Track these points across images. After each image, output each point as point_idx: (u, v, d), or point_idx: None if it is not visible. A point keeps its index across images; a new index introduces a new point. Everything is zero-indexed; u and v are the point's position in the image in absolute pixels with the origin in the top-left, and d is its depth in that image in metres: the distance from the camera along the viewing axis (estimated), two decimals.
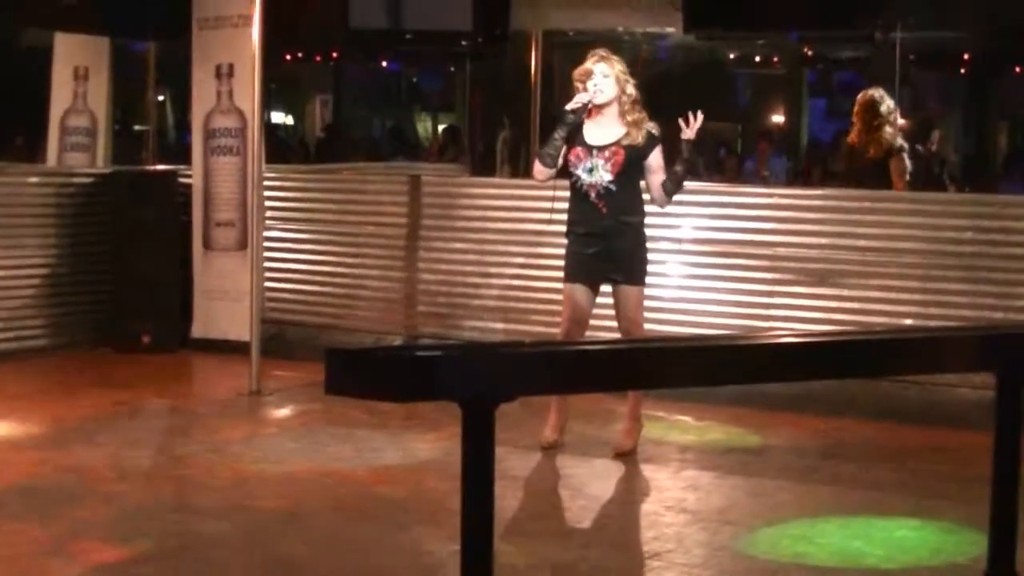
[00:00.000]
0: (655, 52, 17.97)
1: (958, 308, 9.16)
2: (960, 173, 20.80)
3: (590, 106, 7.92)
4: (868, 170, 10.48)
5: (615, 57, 8.08)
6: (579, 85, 7.96)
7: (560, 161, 7.95)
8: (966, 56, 20.85)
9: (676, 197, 8.13)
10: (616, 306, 8.04)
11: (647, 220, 8.14)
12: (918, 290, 9.38)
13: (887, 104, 10.67)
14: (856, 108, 10.81)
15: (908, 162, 10.63)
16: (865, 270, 9.46)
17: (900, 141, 10.69)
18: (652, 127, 8.00)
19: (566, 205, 8.10)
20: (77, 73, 13.19)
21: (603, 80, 7.93)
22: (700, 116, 7.90)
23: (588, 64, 7.99)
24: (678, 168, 8.01)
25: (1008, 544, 3.42)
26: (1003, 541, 3.42)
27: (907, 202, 9.91)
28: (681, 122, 7.91)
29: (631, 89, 7.99)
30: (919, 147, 11.48)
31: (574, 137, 7.95)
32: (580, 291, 8.02)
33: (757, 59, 21.94)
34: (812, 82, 24.08)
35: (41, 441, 8.37)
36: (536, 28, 11.94)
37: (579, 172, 7.94)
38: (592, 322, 8.14)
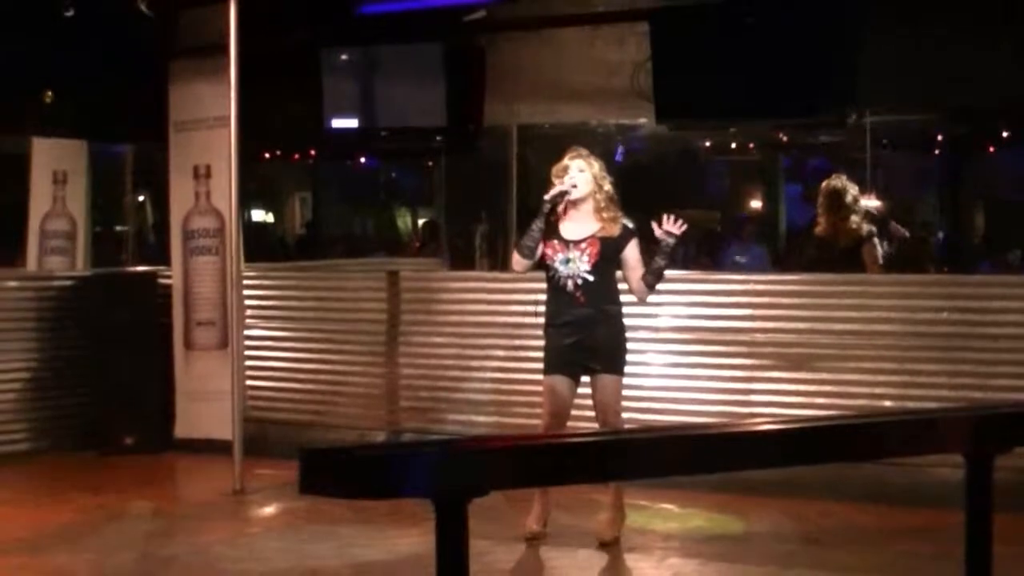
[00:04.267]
0: (629, 143, 18.09)
1: (937, 389, 9.19)
2: (937, 254, 20.90)
3: (566, 199, 8.01)
4: (840, 260, 10.49)
5: (593, 156, 8.20)
6: (556, 181, 8.07)
7: (537, 255, 8.04)
8: (939, 137, 21.01)
9: (656, 285, 8.20)
10: (594, 396, 8.08)
11: (625, 309, 8.21)
12: (896, 371, 9.43)
13: (852, 193, 10.70)
14: (820, 199, 10.80)
15: (879, 248, 10.68)
16: (843, 353, 9.51)
17: (869, 227, 10.72)
18: (627, 221, 8.10)
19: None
20: (56, 177, 13.27)
21: (579, 175, 8.04)
22: (682, 225, 8.03)
23: (565, 161, 8.11)
24: (660, 262, 8.10)
25: None
26: None
27: (883, 284, 9.99)
28: (656, 225, 8.02)
29: (607, 187, 8.10)
30: (894, 225, 11.43)
31: (550, 233, 8.03)
32: (561, 383, 8.06)
33: (732, 146, 22.06)
34: (787, 167, 24.18)
35: (24, 546, 8.35)
36: (510, 122, 12.06)
37: (556, 264, 8.02)
38: (572, 411, 8.17)
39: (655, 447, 3.23)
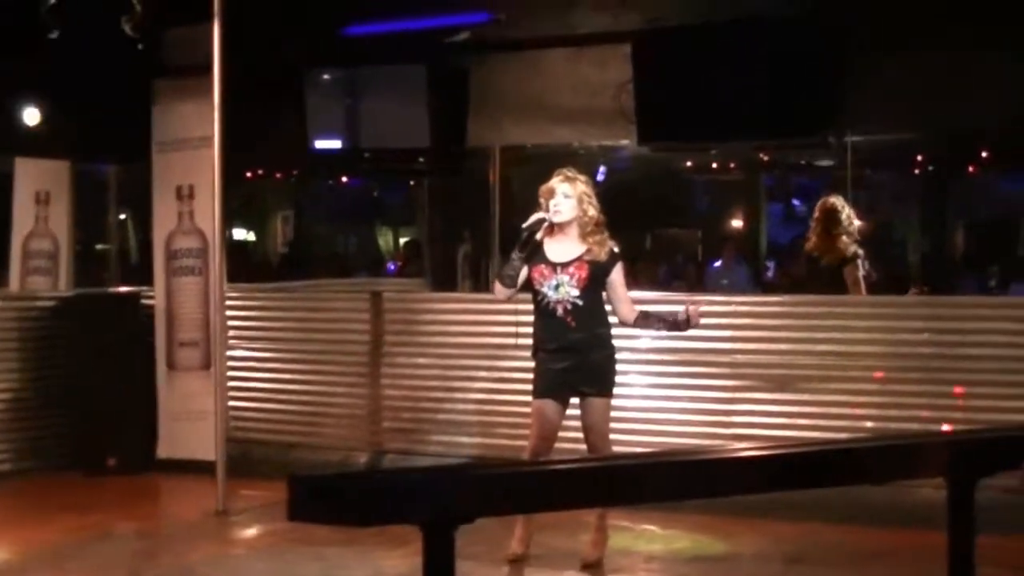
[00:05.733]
0: (612, 163, 18.14)
1: (918, 410, 9.24)
2: (918, 274, 21.00)
3: (546, 224, 8.02)
4: (823, 278, 10.56)
5: (582, 178, 8.17)
6: (542, 201, 8.08)
7: (521, 279, 8.06)
8: (919, 158, 21.10)
9: (637, 307, 8.23)
10: (583, 418, 8.08)
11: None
12: (878, 392, 9.47)
13: (847, 213, 10.78)
14: (816, 215, 10.88)
15: (862, 270, 10.72)
16: (825, 375, 9.55)
17: (855, 249, 10.77)
18: (613, 245, 8.12)
19: (530, 322, 8.20)
20: (39, 197, 13.25)
21: (564, 200, 8.03)
22: (700, 320, 8.15)
23: (552, 183, 8.11)
24: (659, 326, 8.19)
25: None
26: None
27: (864, 306, 10.04)
28: (687, 309, 8.11)
29: (592, 211, 8.06)
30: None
31: (536, 256, 8.05)
32: (550, 407, 8.06)
33: (714, 166, 22.13)
34: (769, 187, 24.27)
35: (8, 568, 8.35)
36: (494, 144, 12.09)
37: (545, 290, 8.02)
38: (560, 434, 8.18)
39: (646, 473, 3.26)
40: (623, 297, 8.15)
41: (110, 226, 15.16)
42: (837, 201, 10.89)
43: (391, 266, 22.64)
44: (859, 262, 10.68)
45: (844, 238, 10.69)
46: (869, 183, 20.84)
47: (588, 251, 8.03)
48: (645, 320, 8.20)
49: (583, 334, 7.99)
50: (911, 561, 8.03)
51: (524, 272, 8.06)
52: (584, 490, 3.14)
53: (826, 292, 10.30)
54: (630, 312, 8.16)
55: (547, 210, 8.04)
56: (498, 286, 8.16)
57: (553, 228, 8.07)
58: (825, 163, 18.74)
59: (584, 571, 8.06)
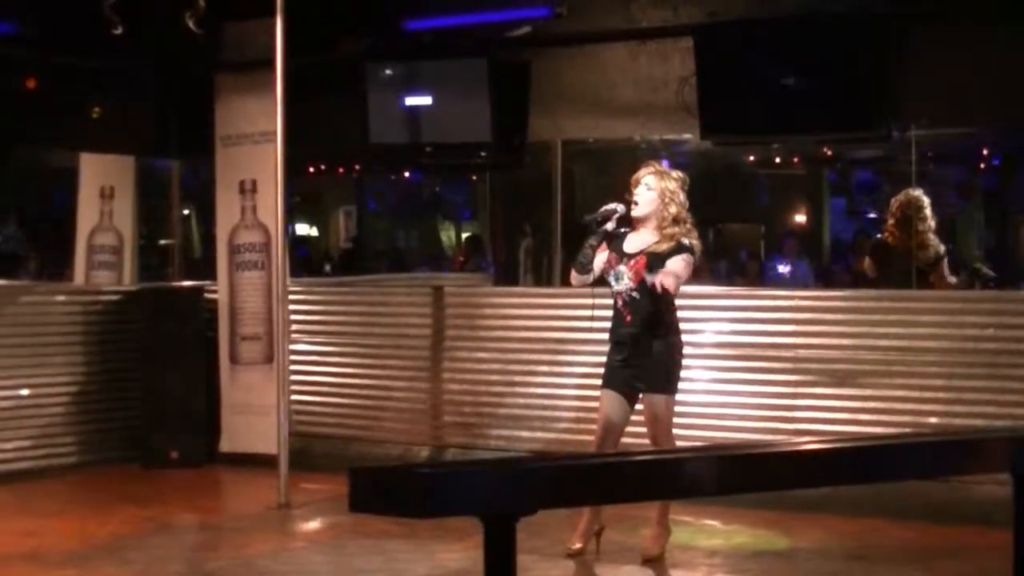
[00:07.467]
0: (673, 158, 18.07)
1: (982, 406, 9.15)
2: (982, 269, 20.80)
3: (619, 214, 8.01)
4: (916, 275, 10.35)
5: (674, 174, 8.16)
6: (633, 189, 8.07)
7: (597, 267, 8.04)
8: (984, 151, 20.91)
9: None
10: (644, 412, 8.07)
11: None
12: (942, 388, 9.39)
13: (928, 207, 10.57)
14: (895, 208, 10.63)
15: (947, 269, 10.53)
16: (888, 370, 9.48)
17: (943, 246, 10.62)
18: (685, 238, 8.02)
19: (608, 311, 8.18)
20: (103, 192, 13.33)
21: (644, 192, 8.02)
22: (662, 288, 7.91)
23: (640, 173, 8.09)
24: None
25: None
26: None
27: (928, 300, 9.95)
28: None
29: (673, 208, 8.01)
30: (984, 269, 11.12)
31: (613, 244, 8.06)
32: (610, 399, 8.06)
33: (776, 160, 22.00)
34: (832, 181, 24.10)
35: (71, 558, 8.40)
36: (555, 138, 12.06)
37: (610, 279, 8.05)
38: (629, 428, 8.15)
39: (699, 467, 3.25)
40: (667, 269, 7.78)
41: (173, 221, 15.24)
42: (918, 194, 10.69)
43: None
44: (946, 260, 10.51)
45: (931, 235, 10.50)
46: (933, 177, 20.67)
47: (656, 243, 7.99)
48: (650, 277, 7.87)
49: (635, 329, 7.97)
50: (974, 558, 7.98)
51: (599, 260, 8.05)
52: (645, 483, 3.13)
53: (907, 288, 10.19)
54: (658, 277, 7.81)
55: (620, 203, 8.05)
56: (573, 272, 8.17)
57: (635, 221, 8.06)
58: (889, 157, 18.58)
59: (645, 566, 8.04)
